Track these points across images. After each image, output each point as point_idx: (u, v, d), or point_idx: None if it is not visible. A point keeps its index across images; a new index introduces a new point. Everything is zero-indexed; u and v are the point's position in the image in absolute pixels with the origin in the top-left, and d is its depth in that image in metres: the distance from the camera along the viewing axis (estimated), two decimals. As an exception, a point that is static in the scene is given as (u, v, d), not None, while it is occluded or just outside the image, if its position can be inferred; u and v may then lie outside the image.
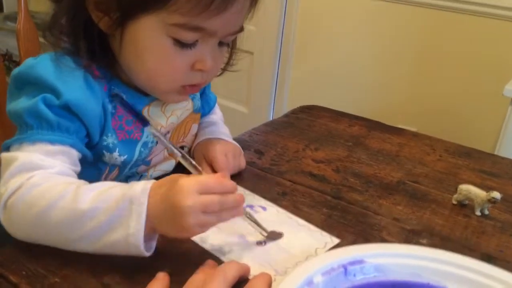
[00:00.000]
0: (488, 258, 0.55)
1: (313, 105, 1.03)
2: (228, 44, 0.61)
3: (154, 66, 0.55)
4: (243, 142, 0.80)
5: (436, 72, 1.71)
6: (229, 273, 0.44)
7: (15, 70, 0.54)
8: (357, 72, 1.90)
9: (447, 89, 1.70)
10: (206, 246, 0.52)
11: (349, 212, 0.63)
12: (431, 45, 1.69)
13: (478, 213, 0.64)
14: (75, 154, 0.54)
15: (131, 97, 0.59)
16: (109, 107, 0.57)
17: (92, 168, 0.59)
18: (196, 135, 0.73)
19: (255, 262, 0.50)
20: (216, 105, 0.81)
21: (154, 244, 0.48)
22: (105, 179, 0.60)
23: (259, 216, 0.59)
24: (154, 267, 0.47)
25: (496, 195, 0.61)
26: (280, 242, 0.55)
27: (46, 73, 0.52)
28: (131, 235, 0.45)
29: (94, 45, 0.55)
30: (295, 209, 0.62)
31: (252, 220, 0.54)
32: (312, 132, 0.89)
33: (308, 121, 0.94)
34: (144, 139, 0.61)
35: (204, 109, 0.77)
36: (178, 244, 0.52)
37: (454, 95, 1.69)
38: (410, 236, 0.58)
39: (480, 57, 1.60)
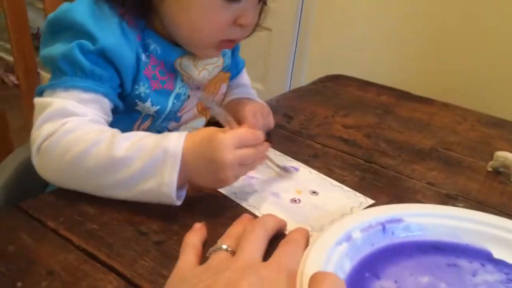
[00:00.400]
0: (527, 223, 0.54)
1: (339, 74, 1.01)
2: (264, 2, 0.61)
3: (199, 19, 0.55)
4: (271, 106, 0.78)
5: (461, 43, 1.66)
6: (269, 225, 0.44)
7: (50, 15, 0.54)
8: (378, 49, 1.86)
9: (474, 60, 1.65)
10: (241, 202, 0.52)
11: (382, 175, 0.61)
12: (459, 15, 1.64)
13: (514, 180, 0.63)
14: (107, 103, 0.54)
15: (164, 49, 0.59)
16: (143, 56, 0.57)
17: (126, 116, 0.58)
18: (225, 95, 0.73)
19: (290, 218, 0.50)
20: (244, 69, 0.80)
21: (184, 193, 0.49)
22: (138, 129, 0.60)
23: (292, 175, 0.59)
24: (191, 218, 0.47)
25: (535, 161, 0.60)
26: (314, 200, 0.54)
27: (82, 17, 0.52)
28: (164, 184, 0.46)
29: None
30: (327, 171, 0.61)
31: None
32: (340, 100, 0.87)
33: (335, 89, 0.93)
34: (176, 90, 0.61)
35: (232, 72, 0.76)
36: (213, 199, 0.52)
37: (480, 66, 1.64)
38: (446, 200, 0.57)
39: (508, 27, 1.54)
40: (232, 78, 0.77)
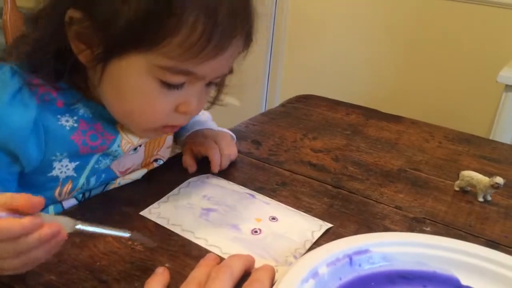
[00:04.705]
0: (493, 244, 0.54)
1: (309, 95, 1.02)
2: (216, 84, 0.57)
3: (136, 107, 0.51)
4: (240, 132, 0.79)
5: (429, 61, 1.70)
6: (236, 268, 0.43)
7: None
8: (351, 62, 1.88)
9: (441, 77, 1.69)
10: (201, 242, 0.51)
11: (350, 201, 0.61)
12: (425, 33, 1.68)
13: (481, 199, 0.63)
14: None
15: (98, 112, 0.55)
16: (69, 122, 0.52)
17: (41, 187, 0.54)
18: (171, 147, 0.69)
19: (254, 252, 0.49)
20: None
21: None
22: (60, 197, 0.56)
23: (249, 201, 0.59)
24: (152, 262, 0.46)
25: (500, 180, 0.60)
26: (275, 227, 0.54)
27: None
28: None
29: (63, 71, 0.50)
30: (295, 200, 0.60)
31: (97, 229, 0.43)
32: (309, 122, 0.87)
33: (305, 110, 0.93)
34: (107, 152, 0.56)
35: None
36: (175, 240, 0.51)
37: (448, 83, 1.68)
38: (414, 224, 0.57)
39: (474, 44, 1.59)
40: None
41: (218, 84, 0.58)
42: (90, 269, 0.45)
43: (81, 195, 0.59)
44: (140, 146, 0.62)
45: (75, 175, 0.55)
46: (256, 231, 0.53)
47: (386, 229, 0.56)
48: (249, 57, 0.58)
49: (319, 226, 0.55)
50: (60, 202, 0.57)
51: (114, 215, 0.54)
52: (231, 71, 0.55)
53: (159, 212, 0.55)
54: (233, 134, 0.72)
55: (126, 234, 0.43)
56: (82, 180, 0.56)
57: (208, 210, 0.56)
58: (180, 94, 0.51)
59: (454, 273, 0.48)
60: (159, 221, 0.53)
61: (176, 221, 0.53)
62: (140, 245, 0.48)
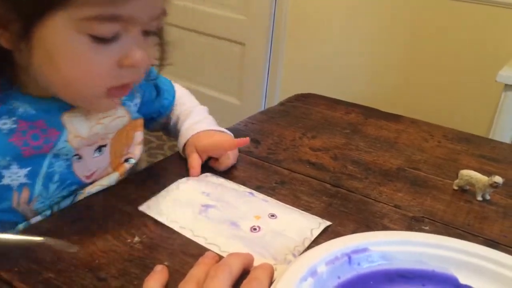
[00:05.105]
0: (491, 243, 0.54)
1: (308, 93, 1.01)
2: (156, 34, 0.53)
3: (72, 72, 0.47)
4: (239, 131, 0.79)
5: (428, 60, 1.70)
6: (235, 267, 0.43)
7: None
8: (350, 61, 1.88)
9: (440, 76, 1.69)
10: (199, 240, 0.51)
11: (349, 200, 0.61)
12: (425, 32, 1.68)
13: (479, 198, 0.63)
14: None
15: (40, 107, 0.52)
16: (7, 123, 0.50)
17: None
18: (142, 143, 0.66)
19: (253, 251, 0.49)
20: (178, 94, 0.76)
21: None
22: (19, 206, 0.53)
23: (248, 199, 0.59)
24: (151, 260, 0.46)
25: (498, 179, 0.60)
26: (274, 225, 0.54)
27: None
28: None
29: None
30: (294, 198, 0.60)
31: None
32: (308, 120, 0.87)
33: (304, 109, 0.93)
34: (55, 151, 0.53)
35: (164, 102, 0.72)
36: (174, 238, 0.51)
37: (447, 82, 1.68)
38: (412, 223, 0.57)
39: (474, 44, 1.59)
40: (168, 106, 0.74)
41: (160, 42, 0.55)
42: (89, 267, 0.45)
43: (49, 212, 0.56)
44: (105, 145, 0.59)
45: (29, 181, 0.53)
46: (255, 228, 0.53)
47: (385, 228, 0.56)
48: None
49: (318, 224, 0.55)
50: (27, 219, 0.55)
51: (114, 214, 0.54)
52: (164, 13, 0.50)
53: (158, 208, 0.55)
54: (231, 134, 0.72)
55: (38, 238, 0.43)
56: (38, 186, 0.54)
57: (207, 206, 0.56)
58: (117, 46, 0.47)
59: (453, 272, 0.48)
60: (158, 218, 0.53)
61: (175, 218, 0.53)
62: (139, 244, 0.49)
